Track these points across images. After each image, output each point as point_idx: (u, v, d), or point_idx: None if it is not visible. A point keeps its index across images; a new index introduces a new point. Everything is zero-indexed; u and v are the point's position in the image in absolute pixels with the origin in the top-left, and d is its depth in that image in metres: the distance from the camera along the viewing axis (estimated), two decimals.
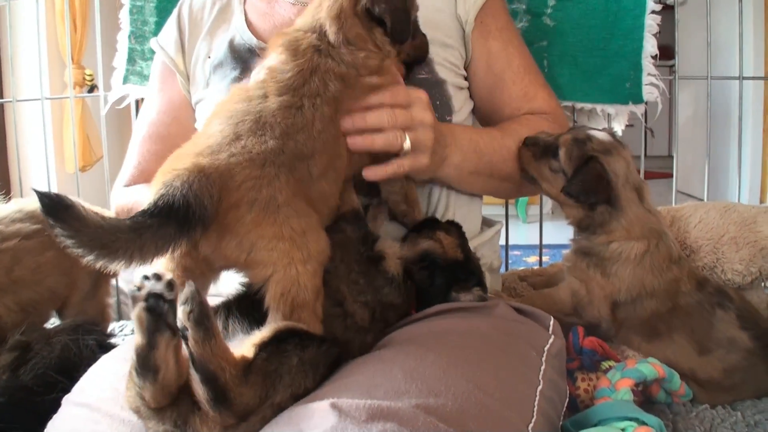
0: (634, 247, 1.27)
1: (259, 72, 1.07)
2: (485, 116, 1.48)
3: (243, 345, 0.87)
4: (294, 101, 0.98)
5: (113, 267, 0.81)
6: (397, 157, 1.12)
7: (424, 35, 1.19)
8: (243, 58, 1.38)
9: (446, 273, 1.16)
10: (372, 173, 1.12)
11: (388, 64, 1.09)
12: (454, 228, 1.21)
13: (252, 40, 1.39)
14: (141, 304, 0.79)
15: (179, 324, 0.79)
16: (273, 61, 1.05)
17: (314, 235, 0.96)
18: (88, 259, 0.79)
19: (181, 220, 0.84)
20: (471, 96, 1.45)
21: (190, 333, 0.78)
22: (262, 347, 0.85)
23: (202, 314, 0.78)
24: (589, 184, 1.26)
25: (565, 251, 1.41)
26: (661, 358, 1.21)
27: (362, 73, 1.05)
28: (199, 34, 1.48)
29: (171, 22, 1.53)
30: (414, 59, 1.18)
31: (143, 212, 0.83)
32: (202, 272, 0.97)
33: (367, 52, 1.06)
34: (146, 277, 0.80)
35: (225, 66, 1.40)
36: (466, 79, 1.43)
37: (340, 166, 1.05)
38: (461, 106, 1.41)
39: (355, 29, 1.05)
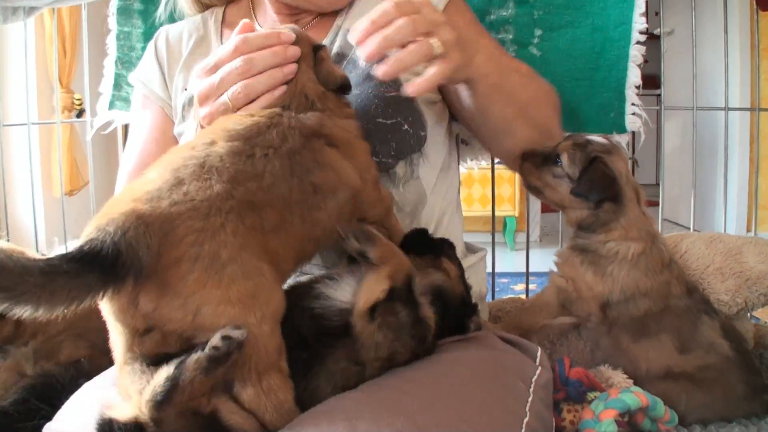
0: (631, 248, 1.30)
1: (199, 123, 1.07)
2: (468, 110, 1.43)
3: None
4: (245, 148, 0.91)
5: (19, 312, 0.72)
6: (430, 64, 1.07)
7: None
8: None
9: (458, 309, 1.10)
10: (415, 87, 1.07)
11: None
12: (451, 251, 1.16)
13: None
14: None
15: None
16: (225, 119, 1.00)
17: (266, 296, 0.86)
18: None
19: (108, 269, 0.75)
20: (450, 103, 1.45)
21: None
22: None
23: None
24: (597, 182, 1.30)
25: (558, 250, 1.42)
26: (643, 359, 1.27)
27: (324, 132, 1.01)
28: (176, 66, 1.48)
29: (149, 57, 1.53)
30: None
31: (62, 256, 0.76)
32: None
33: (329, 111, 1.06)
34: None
35: None
36: (438, 92, 1.42)
37: (294, 235, 0.94)
38: (435, 123, 1.39)
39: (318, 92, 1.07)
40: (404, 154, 1.32)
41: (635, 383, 1.25)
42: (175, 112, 1.45)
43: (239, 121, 0.96)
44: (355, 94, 1.29)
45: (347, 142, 1.04)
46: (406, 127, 1.32)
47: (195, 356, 0.79)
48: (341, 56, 1.37)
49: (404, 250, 1.03)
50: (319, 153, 0.98)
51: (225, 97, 1.07)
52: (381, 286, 0.94)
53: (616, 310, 1.30)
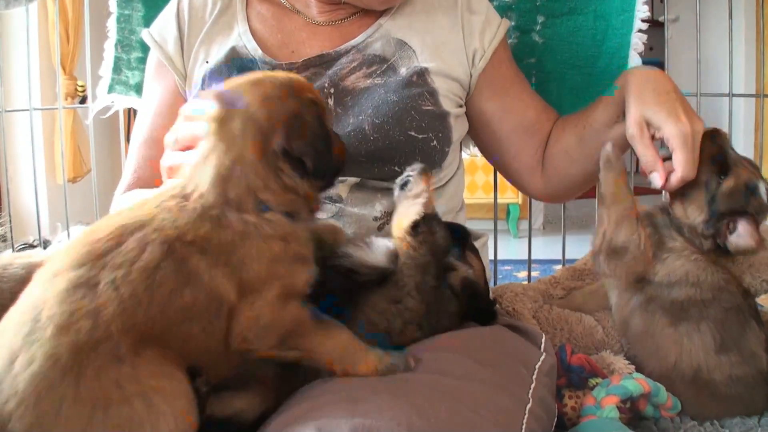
0: (695, 255, 1.25)
1: None
2: (497, 133, 1.50)
3: None
4: (87, 277, 0.79)
5: None
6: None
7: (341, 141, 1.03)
8: (244, 69, 1.33)
9: (483, 301, 1.16)
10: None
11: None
12: (472, 242, 1.22)
13: (257, 52, 1.38)
14: None
15: None
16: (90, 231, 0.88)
17: (149, 429, 0.77)
18: None
19: None
20: (478, 119, 1.48)
21: None
22: None
23: None
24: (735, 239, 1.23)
25: (567, 270, 1.41)
26: (675, 349, 1.22)
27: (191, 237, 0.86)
28: (198, 33, 1.45)
29: (169, 17, 1.48)
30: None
31: None
32: None
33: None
34: None
35: (223, 74, 1.36)
36: (461, 107, 1.44)
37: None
38: (458, 137, 1.43)
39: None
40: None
41: (657, 379, 1.21)
42: (193, 84, 1.43)
43: (107, 225, 0.84)
44: (392, 101, 1.30)
45: (227, 245, 0.85)
46: (434, 143, 1.33)
47: None
48: (382, 59, 1.37)
49: None
50: (184, 264, 0.82)
51: (165, 162, 1.13)
52: (416, 209, 1.04)
53: (655, 291, 1.26)
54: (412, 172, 1.10)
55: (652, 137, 1.21)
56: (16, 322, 0.79)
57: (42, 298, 0.79)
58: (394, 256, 1.04)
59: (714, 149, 1.24)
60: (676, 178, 1.17)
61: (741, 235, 1.21)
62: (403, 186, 1.10)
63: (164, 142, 1.12)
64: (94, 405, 0.75)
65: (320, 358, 0.89)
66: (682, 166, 1.16)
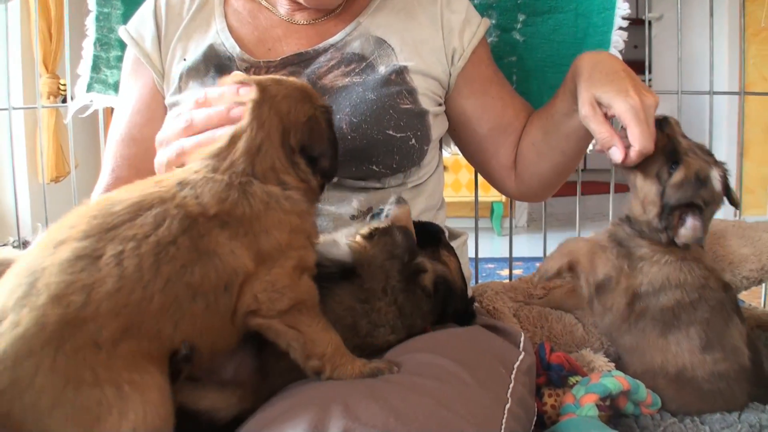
0: (666, 257, 1.24)
1: None
2: (477, 131, 1.50)
3: None
4: (92, 249, 0.80)
5: None
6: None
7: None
8: (222, 67, 1.35)
9: (459, 301, 1.15)
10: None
11: None
12: (447, 241, 1.21)
13: (235, 50, 1.37)
14: None
15: None
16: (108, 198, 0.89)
17: (116, 418, 0.76)
18: None
19: None
20: (457, 118, 1.48)
21: None
22: None
23: None
24: (689, 232, 1.21)
25: (595, 232, 1.38)
26: (662, 356, 1.22)
27: (215, 211, 0.90)
28: (176, 30, 1.43)
29: (147, 14, 1.46)
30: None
31: None
32: None
33: None
34: None
35: (200, 72, 1.36)
36: (440, 105, 1.44)
37: (164, 340, 0.83)
38: (437, 135, 1.43)
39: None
40: (405, 168, 1.34)
41: (639, 376, 1.22)
42: (170, 81, 1.41)
43: (122, 199, 0.85)
44: (371, 100, 1.30)
45: (250, 214, 0.89)
46: (413, 141, 1.33)
47: None
48: (361, 58, 1.36)
49: None
50: (201, 240, 0.84)
51: (164, 156, 1.07)
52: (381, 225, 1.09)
53: (644, 302, 1.25)
54: (390, 205, 1.12)
55: (606, 116, 1.20)
56: (12, 284, 0.78)
57: (43, 264, 0.78)
58: (357, 253, 1.05)
59: (663, 139, 1.23)
60: (634, 152, 1.16)
61: (688, 228, 1.21)
62: (376, 215, 1.13)
63: (157, 140, 1.10)
64: (67, 381, 0.74)
65: (314, 349, 0.90)
66: (638, 139, 1.15)
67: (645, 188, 1.25)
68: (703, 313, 1.22)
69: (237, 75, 1.06)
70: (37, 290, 0.76)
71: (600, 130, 1.19)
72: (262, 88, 0.96)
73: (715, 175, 1.21)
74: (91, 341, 0.76)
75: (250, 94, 0.96)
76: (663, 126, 1.23)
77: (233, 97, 1.00)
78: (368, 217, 1.14)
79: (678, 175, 1.21)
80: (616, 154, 1.18)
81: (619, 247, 1.29)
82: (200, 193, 0.87)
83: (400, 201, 1.13)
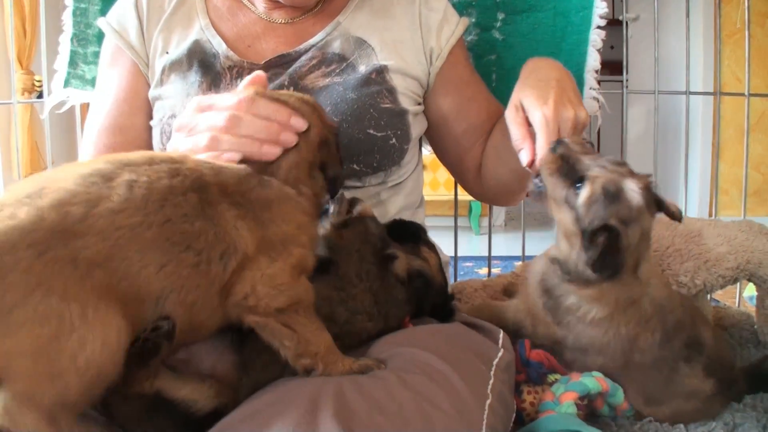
0: (593, 311, 1.16)
1: None
2: (451, 133, 1.50)
3: None
4: (110, 171, 0.82)
5: None
6: None
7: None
8: (206, 63, 1.35)
9: (438, 296, 1.17)
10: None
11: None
12: (429, 239, 1.22)
13: (221, 47, 1.37)
14: None
15: None
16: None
17: (75, 341, 0.74)
18: None
19: None
20: (432, 118, 1.48)
21: None
22: None
23: None
24: (603, 263, 1.08)
25: (526, 265, 1.38)
26: None
27: (233, 189, 0.93)
28: (157, 22, 1.42)
29: (128, 6, 1.44)
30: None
31: None
32: None
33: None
34: None
35: (183, 67, 1.36)
36: (419, 104, 1.44)
37: (145, 280, 0.81)
38: (417, 134, 1.43)
39: None
40: (385, 167, 1.35)
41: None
42: (152, 74, 1.40)
43: (134, 155, 0.87)
44: (351, 99, 1.30)
45: (263, 202, 0.92)
46: (393, 141, 1.33)
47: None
48: (342, 58, 1.36)
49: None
50: (209, 206, 0.86)
51: (190, 143, 1.03)
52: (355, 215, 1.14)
53: (571, 355, 1.21)
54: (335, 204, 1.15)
55: (528, 120, 1.21)
56: (26, 184, 0.79)
57: (61, 177, 0.80)
58: (331, 240, 1.08)
59: (558, 161, 1.13)
60: (537, 160, 1.17)
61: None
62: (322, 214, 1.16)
63: (177, 124, 1.07)
64: (39, 284, 0.73)
65: (307, 348, 0.91)
66: (541, 149, 1.16)
67: (562, 218, 1.14)
68: (636, 374, 1.19)
69: (260, 75, 1.07)
70: (45, 192, 0.77)
71: (515, 132, 1.20)
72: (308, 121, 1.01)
73: (630, 187, 1.08)
74: (71, 257, 0.75)
75: (299, 124, 1.00)
76: (555, 149, 1.13)
77: (285, 117, 1.00)
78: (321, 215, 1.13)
79: (584, 193, 1.09)
80: (523, 157, 1.18)
81: (546, 296, 1.21)
82: (220, 172, 0.90)
83: (355, 201, 1.16)
